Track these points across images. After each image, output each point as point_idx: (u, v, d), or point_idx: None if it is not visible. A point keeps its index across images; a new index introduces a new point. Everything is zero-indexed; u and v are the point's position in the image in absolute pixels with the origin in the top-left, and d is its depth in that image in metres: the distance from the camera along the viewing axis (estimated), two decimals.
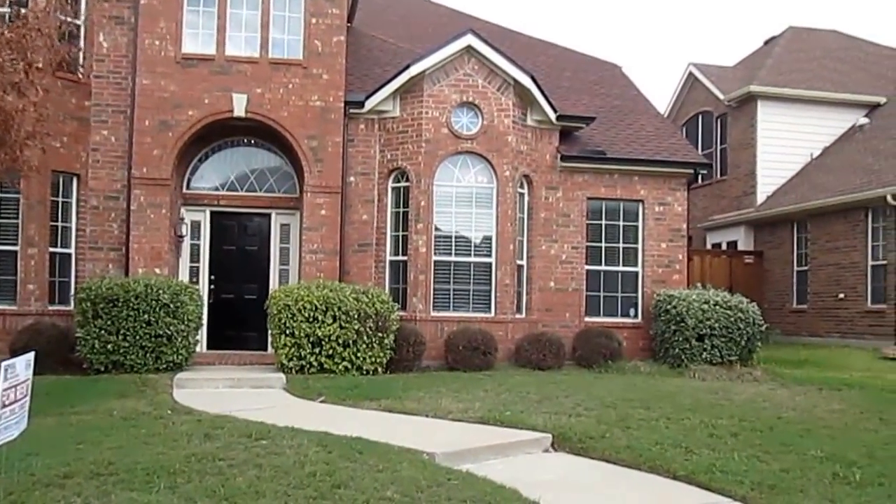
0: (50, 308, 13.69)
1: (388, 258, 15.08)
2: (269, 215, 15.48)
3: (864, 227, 19.88)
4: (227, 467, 6.99)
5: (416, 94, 14.86)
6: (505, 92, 15.03)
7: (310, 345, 12.58)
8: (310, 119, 14.49)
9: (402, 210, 15.04)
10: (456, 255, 14.82)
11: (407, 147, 14.88)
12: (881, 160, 20.87)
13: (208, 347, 15.06)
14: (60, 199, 14.12)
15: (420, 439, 8.25)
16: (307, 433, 8.32)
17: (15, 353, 12.44)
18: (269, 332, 13.01)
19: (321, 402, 10.71)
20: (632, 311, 16.12)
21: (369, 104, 14.88)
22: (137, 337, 12.37)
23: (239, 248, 15.53)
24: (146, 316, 12.38)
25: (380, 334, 12.81)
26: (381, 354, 12.89)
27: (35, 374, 12.04)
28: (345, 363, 12.64)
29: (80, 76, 14.35)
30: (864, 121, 23.63)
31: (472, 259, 14.87)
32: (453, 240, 14.84)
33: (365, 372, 12.73)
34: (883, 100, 24.12)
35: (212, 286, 15.24)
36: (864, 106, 24.15)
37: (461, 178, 14.93)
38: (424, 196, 14.63)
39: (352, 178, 15.01)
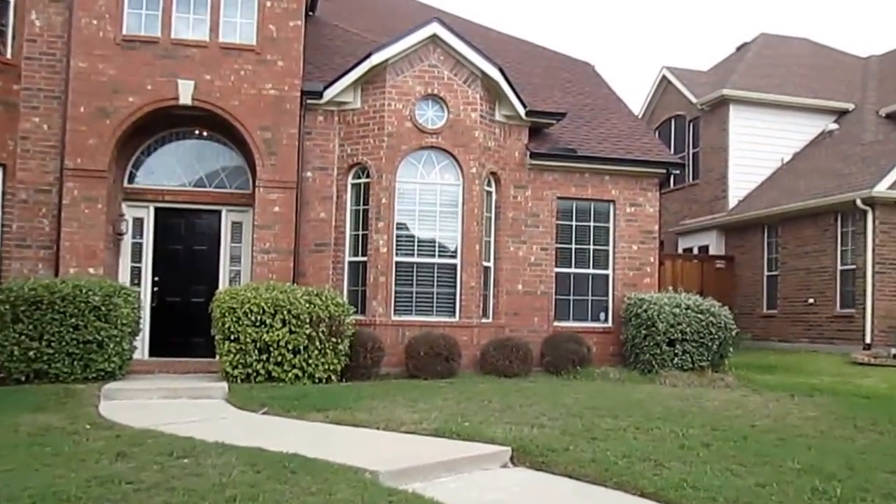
0: None
1: (347, 259, 13.82)
2: (219, 212, 14.14)
3: (833, 231, 19.13)
4: (133, 492, 5.74)
5: (379, 85, 13.66)
6: (472, 85, 13.88)
7: (256, 351, 11.28)
8: (263, 108, 13.21)
9: (362, 208, 13.80)
10: (419, 255, 13.61)
11: (368, 141, 13.67)
12: (850, 165, 20.16)
13: (150, 354, 13.70)
14: None
15: (365, 455, 7.00)
16: (238, 450, 7.06)
17: None
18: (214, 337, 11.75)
19: (263, 413, 9.42)
20: (602, 316, 15.01)
21: (328, 94, 13.65)
22: (63, 343, 10.99)
23: (186, 248, 14.17)
24: (73, 320, 11.02)
25: (333, 340, 11.54)
26: (335, 361, 11.62)
27: None
28: (295, 371, 11.35)
29: (9, 57, 13.00)
30: (834, 126, 22.95)
31: (436, 260, 13.67)
32: (416, 240, 13.62)
33: (317, 380, 11.45)
34: (851, 106, 23.47)
35: (155, 288, 13.87)
36: (834, 112, 23.49)
37: (425, 175, 13.73)
38: (386, 193, 13.43)
39: (309, 174, 13.76)
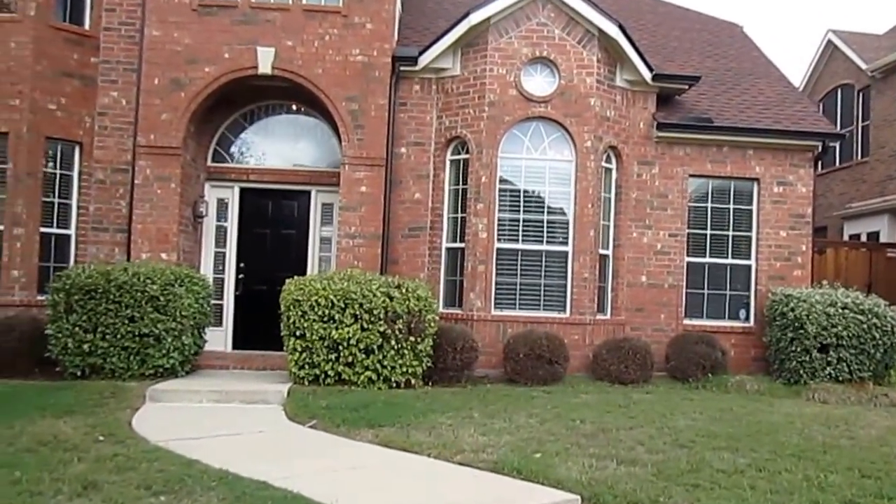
0: (39, 298, 11.21)
1: (445, 245, 12.17)
2: (308, 193, 12.80)
3: None
4: None
5: (480, 48, 11.88)
6: (587, 45, 11.89)
7: (325, 350, 9.80)
8: (349, 77, 11.72)
9: (461, 187, 12.10)
10: (524, 241, 11.78)
11: (467, 112, 11.94)
12: None
13: (233, 347, 12.56)
14: (59, 172, 11.79)
15: (385, 501, 5.39)
16: (231, 486, 5.55)
17: None
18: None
19: (310, 426, 7.90)
20: (741, 314, 12.64)
21: (424, 60, 12.00)
22: (119, 336, 9.88)
23: (273, 231, 12.92)
24: (129, 311, 9.89)
25: (412, 338, 9.91)
26: (415, 363, 9.99)
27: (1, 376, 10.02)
28: (368, 373, 9.81)
29: (87, 28, 12.08)
30: None
31: (544, 247, 11.79)
32: (521, 224, 11.78)
33: (394, 384, 9.87)
34: None
35: (240, 275, 12.70)
36: None
37: (532, 150, 11.88)
38: (486, 170, 11.68)
39: (402, 149, 12.19)
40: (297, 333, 9.82)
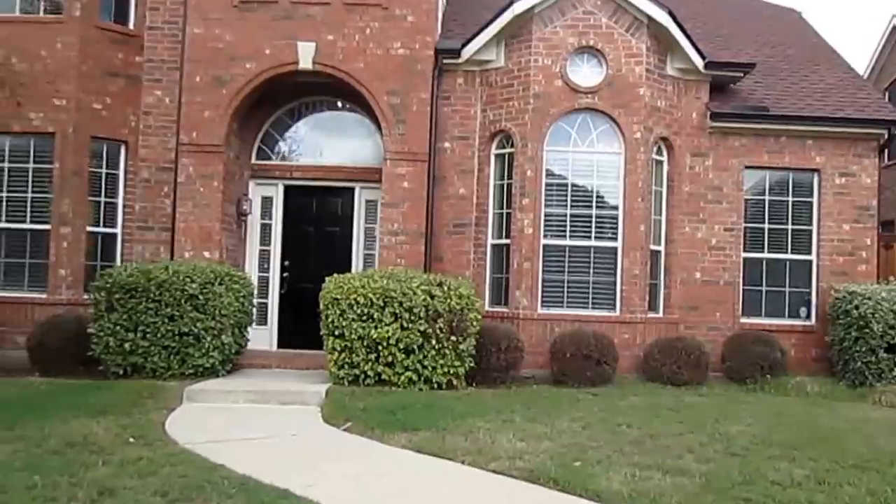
0: (85, 297, 11.07)
1: (490, 241, 11.81)
2: (352, 190, 12.53)
3: None
4: None
5: (524, 38, 11.48)
6: (636, 33, 11.39)
7: (364, 349, 9.51)
8: (390, 71, 11.42)
9: (506, 182, 11.72)
10: (571, 238, 11.35)
11: (512, 104, 11.55)
12: None
13: (278, 345, 12.37)
14: (105, 171, 11.75)
15: None
16: (251, 494, 5.29)
17: (30, 350, 10.31)
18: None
19: (344, 430, 7.62)
20: (802, 312, 11.99)
21: (467, 52, 11.64)
22: (159, 335, 9.74)
23: (318, 229, 12.69)
24: (169, 310, 9.74)
25: (454, 338, 9.56)
26: (457, 363, 9.62)
27: (44, 374, 10.03)
28: (408, 374, 9.49)
29: (132, 28, 12.01)
30: None
31: (592, 243, 11.34)
32: (568, 220, 11.36)
33: (435, 385, 9.53)
34: None
35: (285, 273, 12.51)
36: None
37: (579, 142, 11.44)
38: (532, 164, 11.28)
39: (446, 144, 11.85)
40: (336, 333, 9.56)
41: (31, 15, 11.54)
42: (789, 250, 12.07)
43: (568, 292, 11.28)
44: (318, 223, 12.69)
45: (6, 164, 11.43)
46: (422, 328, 9.45)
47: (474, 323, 9.75)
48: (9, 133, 11.31)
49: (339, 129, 12.65)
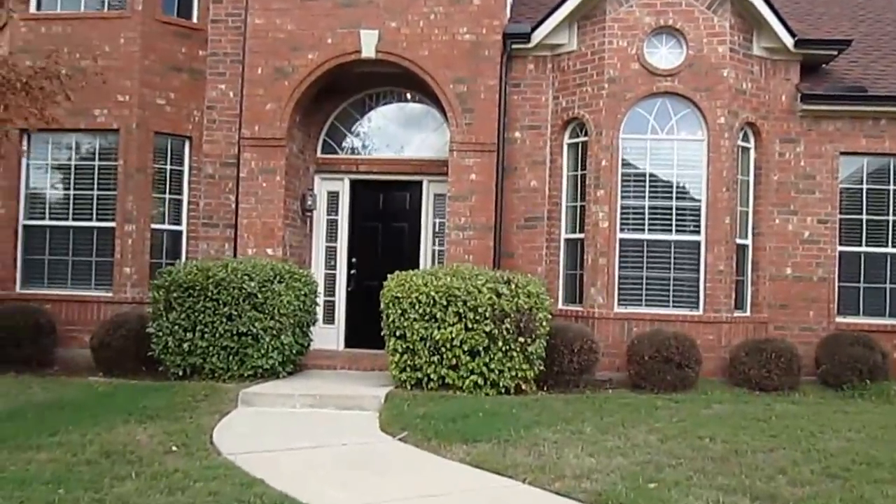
0: (150, 295, 10.86)
1: (563, 235, 11.06)
2: (420, 183, 11.94)
3: None
4: None
5: (598, 19, 10.66)
6: (718, 10, 10.43)
7: (427, 351, 8.90)
8: (456, 57, 10.76)
9: (580, 173, 10.95)
10: (650, 231, 10.50)
11: (585, 90, 10.75)
12: None
13: (345, 345, 11.90)
14: (169, 167, 11.43)
15: None
16: None
17: (93, 350, 10.04)
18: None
19: (400, 439, 7.03)
20: None
21: (537, 36, 10.87)
22: (217, 335, 9.32)
23: (385, 225, 12.15)
24: (227, 309, 9.30)
25: (521, 339, 8.87)
26: (525, 367, 8.92)
27: (107, 375, 9.70)
28: (473, 377, 8.83)
29: (195, 21, 11.64)
30: None
31: (672, 237, 10.48)
32: (646, 212, 10.51)
33: (502, 390, 8.84)
34: None
35: (352, 271, 12.00)
36: None
37: (657, 129, 10.56)
38: (606, 153, 10.47)
39: (517, 133, 11.12)
40: (398, 333, 8.97)
41: (94, 10, 11.29)
42: (890, 244, 10.93)
43: (647, 290, 10.44)
44: (385, 218, 12.15)
45: (73, 162, 11.22)
46: (487, 329, 8.77)
47: (544, 323, 9.02)
48: (75, 130, 11.07)
49: (407, 120, 12.08)
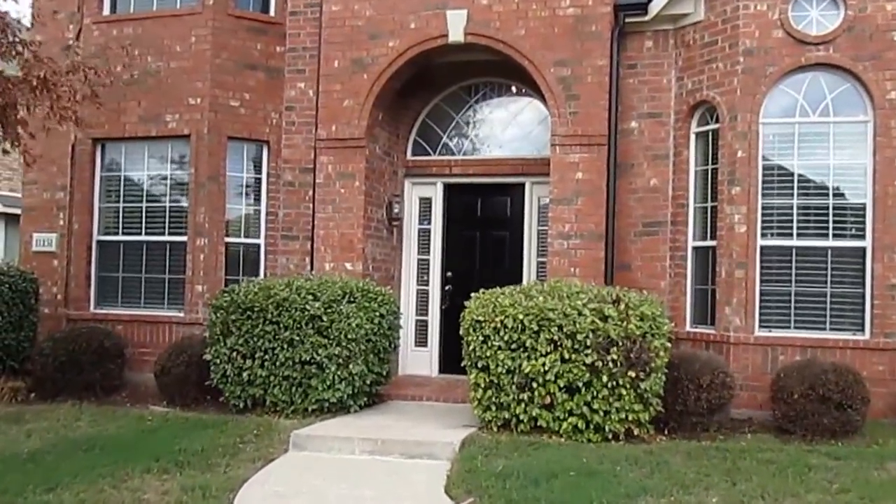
0: None
1: (691, 243, 9.02)
2: (521, 186, 10.17)
3: None
4: None
5: None
6: None
7: (514, 387, 7.12)
8: (557, 36, 8.94)
9: (710, 168, 8.86)
10: (799, 237, 8.27)
11: (716, 67, 8.66)
12: None
13: (440, 370, 10.27)
14: (245, 175, 10.14)
15: None
16: None
17: (156, 376, 8.86)
18: None
19: None
20: None
21: (656, 6, 8.85)
22: (278, 363, 7.91)
23: (483, 233, 10.43)
24: (288, 333, 7.88)
25: (632, 373, 6.96)
26: (638, 407, 6.97)
27: (170, 404, 8.52)
28: (572, 419, 6.97)
29: (272, 15, 10.35)
30: None
31: (828, 243, 8.20)
32: (794, 212, 8.30)
33: (609, 435, 6.95)
34: None
35: (447, 286, 10.35)
36: None
37: (808, 110, 8.32)
38: (742, 142, 8.34)
39: (632, 123, 9.17)
40: (480, 365, 7.23)
41: (166, 8, 10.21)
42: None
43: (796, 309, 8.21)
44: (483, 226, 10.45)
45: (145, 172, 10.16)
46: (589, 360, 6.89)
47: (661, 353, 7.03)
48: (147, 138, 9.99)
49: (506, 114, 10.33)
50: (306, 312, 7.84)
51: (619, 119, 9.00)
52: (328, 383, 7.84)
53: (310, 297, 7.93)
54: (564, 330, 6.93)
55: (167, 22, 9.99)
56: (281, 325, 7.89)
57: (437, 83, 10.23)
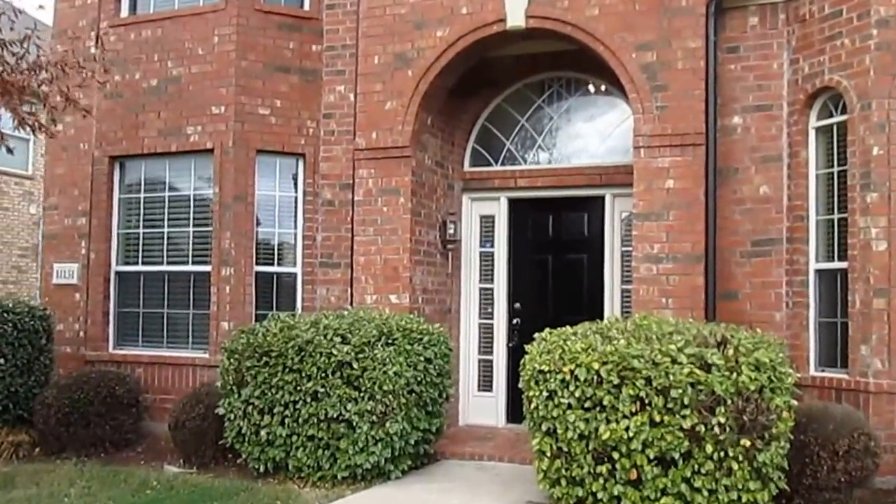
0: None
1: (813, 265, 7.33)
2: (600, 199, 8.62)
3: None
4: None
5: None
6: None
7: (589, 457, 5.58)
8: (639, 15, 7.40)
9: (837, 170, 7.19)
10: None
11: (840, 45, 6.95)
12: None
13: (508, 419, 8.79)
14: (277, 194, 8.90)
15: None
16: None
17: (171, 429, 7.67)
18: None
19: None
20: None
21: None
22: (300, 420, 6.60)
23: (557, 257, 8.93)
24: (311, 384, 6.56)
25: (745, 441, 5.33)
26: (754, 484, 5.30)
27: (186, 462, 7.41)
28: (667, 500, 5.36)
29: (307, 9, 9.13)
30: None
31: None
32: None
33: None
34: None
35: (514, 320, 8.85)
36: None
37: None
38: (880, 136, 6.59)
39: (735, 119, 7.52)
40: (545, 427, 5.73)
41: (185, 7, 9.12)
42: None
43: None
44: (557, 248, 8.95)
45: (166, 193, 9.05)
46: (688, 424, 5.29)
47: (784, 414, 5.41)
48: (166, 154, 8.91)
49: (581, 115, 8.81)
50: (333, 358, 6.48)
51: (717, 114, 7.39)
52: (360, 445, 6.44)
53: (338, 338, 6.56)
54: (654, 384, 5.36)
55: (188, 22, 8.86)
56: (303, 374, 6.55)
57: (498, 80, 8.82)
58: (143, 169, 9.13)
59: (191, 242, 8.86)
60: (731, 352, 5.50)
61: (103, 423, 8.01)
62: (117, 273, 9.16)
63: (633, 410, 5.41)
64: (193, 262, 8.79)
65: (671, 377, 5.36)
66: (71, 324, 9.75)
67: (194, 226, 8.84)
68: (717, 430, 5.28)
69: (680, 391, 5.31)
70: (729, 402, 5.30)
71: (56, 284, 9.90)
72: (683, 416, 5.31)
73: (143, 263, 9.05)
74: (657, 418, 5.35)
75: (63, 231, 9.90)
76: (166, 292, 8.94)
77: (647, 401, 5.39)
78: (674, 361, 5.42)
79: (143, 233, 9.09)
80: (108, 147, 9.12)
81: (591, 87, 8.77)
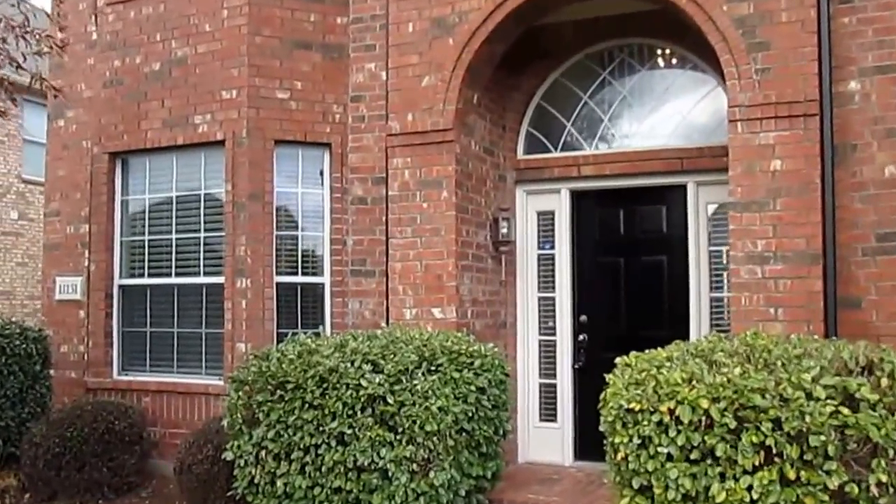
0: None
1: None
2: (681, 188, 7.25)
3: None
4: None
5: None
6: None
7: None
8: None
9: None
10: None
11: None
12: None
13: (577, 455, 7.45)
14: (300, 190, 7.51)
15: None
16: None
17: (175, 472, 6.55)
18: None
19: None
20: None
21: None
22: (324, 469, 5.40)
23: (629, 260, 7.53)
24: (335, 423, 5.34)
25: None
26: None
27: None
28: None
29: None
30: None
31: None
32: None
33: None
34: None
35: (580, 336, 7.50)
36: None
37: None
38: None
39: (851, 84, 6.09)
40: (634, 483, 4.43)
41: None
42: None
43: None
44: (630, 249, 7.57)
45: (173, 193, 7.93)
46: (834, 483, 3.93)
47: None
48: (172, 148, 7.79)
49: (655, 89, 7.41)
50: (362, 391, 5.24)
51: (832, 77, 6.03)
52: (398, 500, 5.19)
53: (368, 366, 5.34)
54: (785, 427, 4.05)
55: None
56: (326, 411, 5.34)
57: (556, 50, 7.51)
58: (147, 166, 8.01)
59: (202, 250, 7.71)
60: (885, 381, 4.15)
61: (100, 465, 6.89)
62: (121, 287, 8.06)
63: (757, 463, 4.08)
64: (205, 273, 7.64)
65: (808, 417, 3.99)
66: (76, 345, 8.66)
67: (206, 231, 7.69)
68: (874, 490, 3.92)
69: (822, 438, 3.98)
70: (891, 452, 3.96)
71: (59, 301, 8.84)
72: (828, 473, 3.95)
73: (150, 276, 7.92)
74: (791, 475, 3.98)
75: (65, 240, 8.82)
76: (176, 308, 7.80)
77: (775, 451, 4.06)
78: (808, 396, 4.07)
79: (149, 240, 7.97)
80: (107, 142, 8.04)
81: (668, 54, 7.44)
